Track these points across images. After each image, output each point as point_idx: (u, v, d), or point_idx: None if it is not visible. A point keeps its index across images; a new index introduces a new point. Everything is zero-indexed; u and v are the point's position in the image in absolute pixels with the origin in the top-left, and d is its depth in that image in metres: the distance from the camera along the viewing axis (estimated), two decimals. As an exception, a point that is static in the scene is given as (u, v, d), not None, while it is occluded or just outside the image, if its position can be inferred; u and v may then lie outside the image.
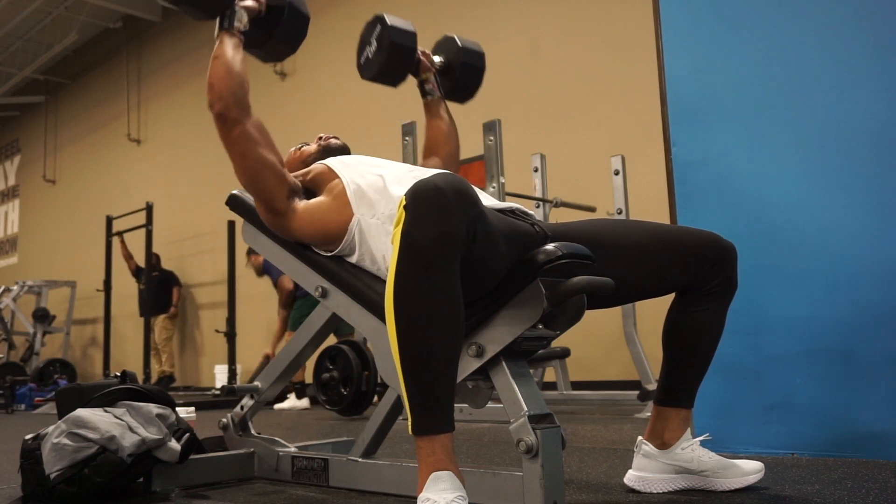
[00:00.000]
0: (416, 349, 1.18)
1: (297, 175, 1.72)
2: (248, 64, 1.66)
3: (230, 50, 1.63)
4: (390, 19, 1.88)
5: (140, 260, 7.81)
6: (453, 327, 1.19)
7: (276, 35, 1.74)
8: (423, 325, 1.17)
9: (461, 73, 2.04)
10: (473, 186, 1.64)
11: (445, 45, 2.08)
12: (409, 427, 1.20)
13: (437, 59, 2.05)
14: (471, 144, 4.28)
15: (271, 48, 1.78)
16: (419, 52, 1.96)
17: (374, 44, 1.90)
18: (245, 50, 1.69)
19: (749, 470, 1.58)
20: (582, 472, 1.88)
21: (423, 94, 2.03)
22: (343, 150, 1.88)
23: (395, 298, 1.18)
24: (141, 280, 7.75)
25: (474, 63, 2.06)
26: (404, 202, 1.18)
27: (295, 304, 5.45)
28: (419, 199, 1.17)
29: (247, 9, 1.68)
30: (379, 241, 1.52)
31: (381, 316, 1.40)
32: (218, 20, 1.67)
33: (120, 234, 7.82)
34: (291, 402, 5.16)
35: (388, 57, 1.87)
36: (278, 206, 1.62)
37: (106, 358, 8.21)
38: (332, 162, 1.70)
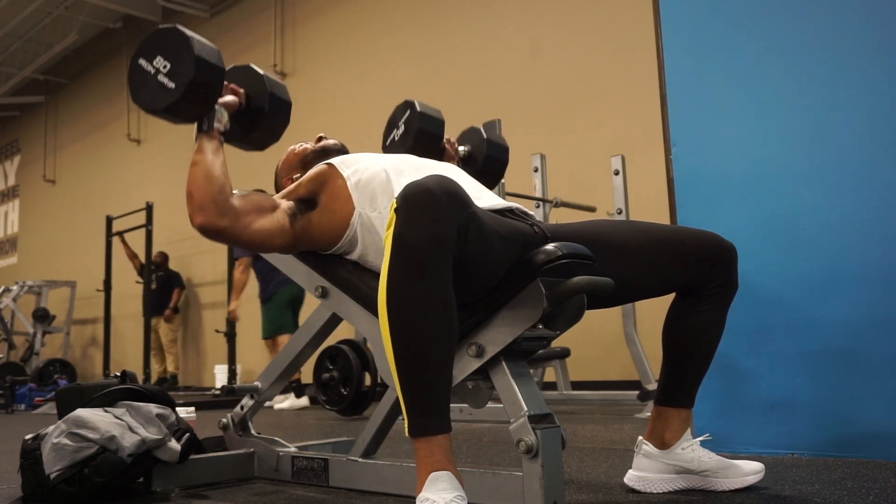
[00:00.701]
0: (409, 351, 1.19)
1: (291, 190, 1.66)
2: (227, 167, 1.57)
3: (210, 155, 1.54)
4: (420, 106, 1.93)
5: (143, 259, 7.81)
6: (446, 328, 1.19)
7: (259, 127, 1.68)
8: (416, 327, 1.18)
9: (485, 165, 2.09)
10: (478, 183, 1.65)
11: (470, 135, 2.13)
12: (406, 429, 1.21)
13: (461, 148, 2.10)
14: (471, 144, 4.29)
15: (254, 139, 1.72)
16: (445, 140, 2.00)
17: (402, 127, 1.95)
18: (226, 142, 1.63)
19: (749, 470, 1.58)
20: (582, 472, 1.88)
21: None
22: (341, 151, 1.87)
23: (388, 301, 1.19)
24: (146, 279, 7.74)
25: (498, 157, 2.11)
26: (395, 204, 1.19)
27: (264, 308, 5.40)
28: (410, 202, 1.17)
29: (226, 105, 1.60)
30: (382, 235, 1.51)
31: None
32: (196, 123, 1.59)
33: (120, 234, 7.81)
34: (291, 401, 5.14)
35: (415, 142, 1.91)
36: (289, 245, 1.61)
37: (106, 358, 8.21)
38: (332, 160, 1.69)
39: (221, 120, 1.59)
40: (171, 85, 1.50)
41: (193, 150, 1.57)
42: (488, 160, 2.08)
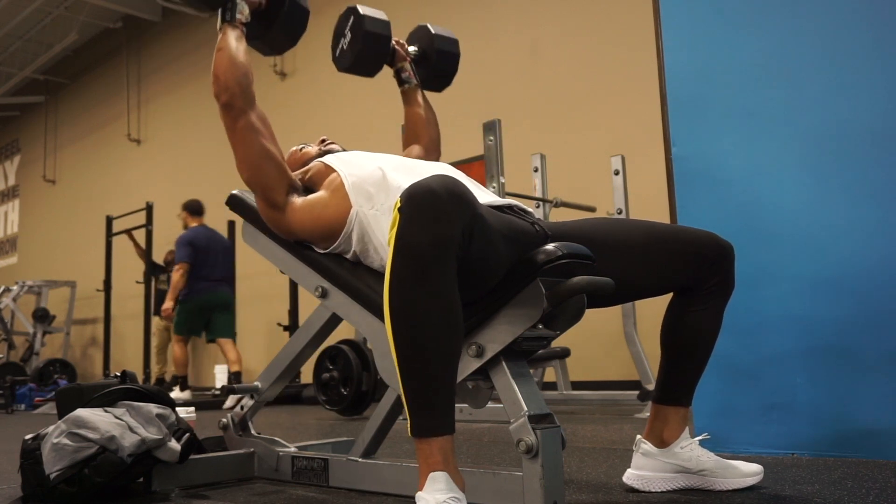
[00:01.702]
0: (413, 352, 1.19)
1: (297, 174, 1.73)
2: (251, 56, 1.67)
3: (233, 41, 1.66)
4: (363, 9, 1.90)
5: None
6: (451, 329, 1.19)
7: (277, 26, 1.76)
8: (420, 328, 1.17)
9: (437, 61, 2.06)
10: (473, 181, 1.65)
11: (419, 34, 2.11)
12: (408, 429, 1.21)
13: (411, 48, 2.08)
14: (471, 144, 4.29)
15: (271, 40, 1.80)
16: (394, 42, 1.98)
17: (349, 35, 1.92)
18: (247, 40, 1.71)
19: (748, 472, 1.58)
20: (582, 472, 1.88)
21: (400, 83, 2.07)
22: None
23: (391, 302, 1.19)
24: (158, 278, 7.73)
25: (449, 49, 2.08)
26: (399, 204, 1.18)
27: (177, 309, 5.68)
28: (413, 202, 1.17)
29: (248, 1, 1.71)
30: (383, 231, 1.52)
31: (380, 315, 1.40)
32: (220, 13, 1.69)
33: (128, 231, 7.79)
34: (175, 393, 5.46)
35: (363, 47, 1.89)
36: (278, 200, 1.63)
37: (106, 358, 8.21)
38: (328, 158, 1.71)
39: (243, 12, 1.71)
40: None
41: (217, 39, 1.67)
42: (440, 55, 2.06)
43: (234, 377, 5.54)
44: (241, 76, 1.63)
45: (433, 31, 2.06)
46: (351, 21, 1.91)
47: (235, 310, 6.09)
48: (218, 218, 6.85)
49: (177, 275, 5.63)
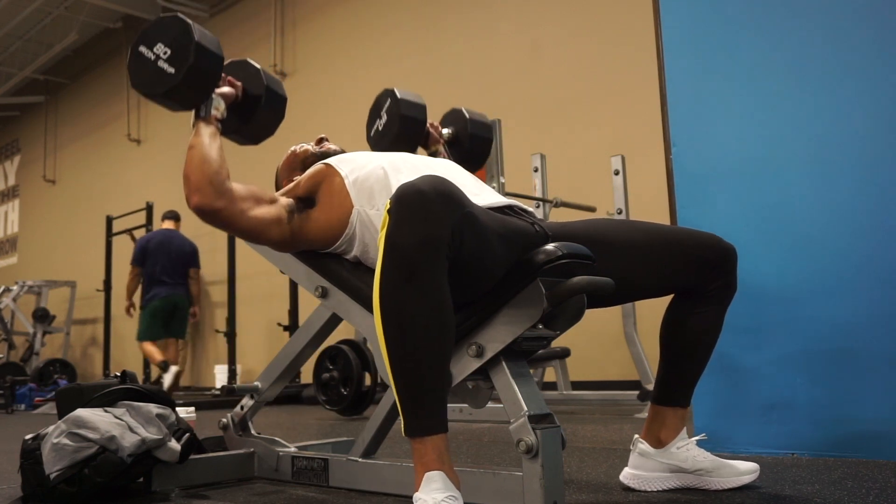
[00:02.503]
0: (403, 353, 1.19)
1: (290, 189, 1.68)
2: (224, 151, 1.57)
3: (206, 139, 1.55)
4: (401, 93, 1.94)
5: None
6: (440, 330, 1.19)
7: (255, 119, 1.70)
8: (410, 329, 1.18)
9: (470, 145, 2.10)
10: (477, 179, 1.65)
11: (453, 116, 2.14)
12: (402, 429, 1.21)
13: (445, 130, 2.11)
14: (471, 144, 4.29)
15: (249, 132, 1.74)
16: (428, 125, 2.01)
17: (385, 116, 1.96)
18: (222, 134, 1.64)
19: (744, 470, 1.58)
20: (582, 472, 1.88)
21: None
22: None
23: (381, 303, 1.19)
24: None
25: (482, 134, 2.12)
26: (388, 205, 1.19)
27: (140, 316, 6.07)
28: (402, 203, 1.17)
29: (224, 96, 1.63)
30: None
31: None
32: (194, 110, 1.61)
33: (129, 231, 7.80)
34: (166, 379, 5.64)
35: (399, 129, 1.92)
36: (286, 240, 1.61)
37: (106, 358, 8.21)
38: (329, 160, 1.70)
39: (219, 108, 1.62)
40: (171, 70, 1.53)
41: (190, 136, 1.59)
42: (473, 139, 2.09)
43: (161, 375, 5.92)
44: (213, 174, 1.50)
45: (467, 116, 2.10)
46: (388, 103, 1.96)
47: (186, 312, 6.37)
48: (218, 218, 6.84)
49: (129, 277, 6.05)
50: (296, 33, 8.01)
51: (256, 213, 1.55)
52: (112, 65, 10.50)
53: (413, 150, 2.01)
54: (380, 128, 1.98)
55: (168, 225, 6.37)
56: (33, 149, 12.35)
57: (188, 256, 6.27)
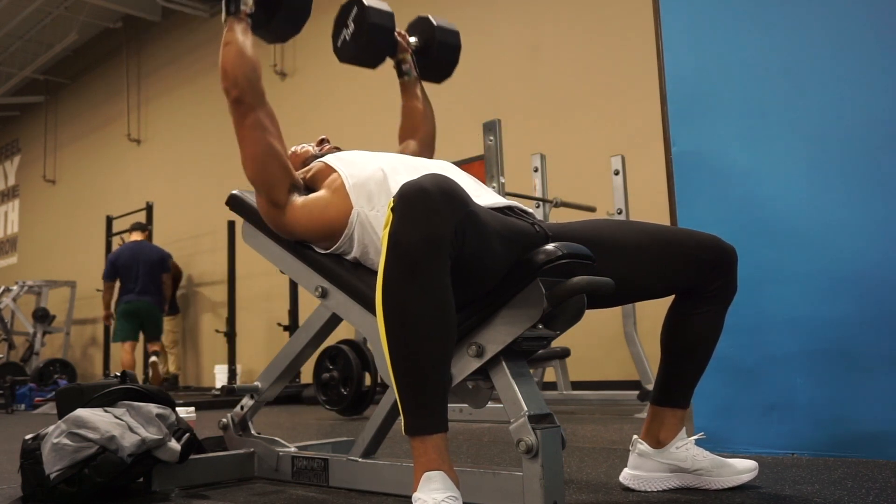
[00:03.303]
0: (405, 351, 1.19)
1: (298, 174, 1.72)
2: (258, 48, 1.67)
3: (240, 35, 1.65)
4: (368, 0, 1.88)
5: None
6: (443, 328, 1.20)
7: (280, 14, 1.74)
8: (412, 327, 1.18)
9: (438, 52, 2.05)
10: (476, 180, 1.65)
11: (420, 25, 2.09)
12: (402, 427, 1.21)
13: (412, 39, 2.06)
14: (471, 144, 4.29)
15: (275, 28, 1.78)
16: (396, 33, 1.97)
17: (352, 25, 1.90)
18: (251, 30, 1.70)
19: (743, 469, 1.58)
20: (582, 472, 1.88)
21: (400, 74, 2.05)
22: None
23: (384, 301, 1.19)
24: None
25: (450, 41, 2.06)
26: (392, 203, 1.19)
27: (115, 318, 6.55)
28: (406, 201, 1.17)
29: None
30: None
31: (380, 315, 1.40)
32: (224, 4, 1.68)
33: (120, 234, 7.82)
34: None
35: (367, 38, 1.87)
36: (280, 199, 1.63)
37: (106, 358, 8.21)
38: (329, 159, 1.70)
39: (247, 3, 1.69)
40: None
41: (223, 32, 1.67)
42: (441, 47, 2.05)
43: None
44: (250, 71, 1.62)
45: (435, 23, 2.05)
46: (354, 11, 1.89)
47: (160, 317, 6.76)
48: (218, 218, 6.86)
49: (104, 291, 6.55)
50: (296, 33, 8.00)
51: (275, 142, 1.64)
52: (112, 65, 10.51)
53: (381, 60, 1.98)
54: (347, 37, 1.92)
55: (136, 237, 6.72)
56: (33, 149, 12.35)
57: (157, 265, 6.58)
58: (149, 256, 6.54)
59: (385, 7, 1.91)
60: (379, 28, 1.88)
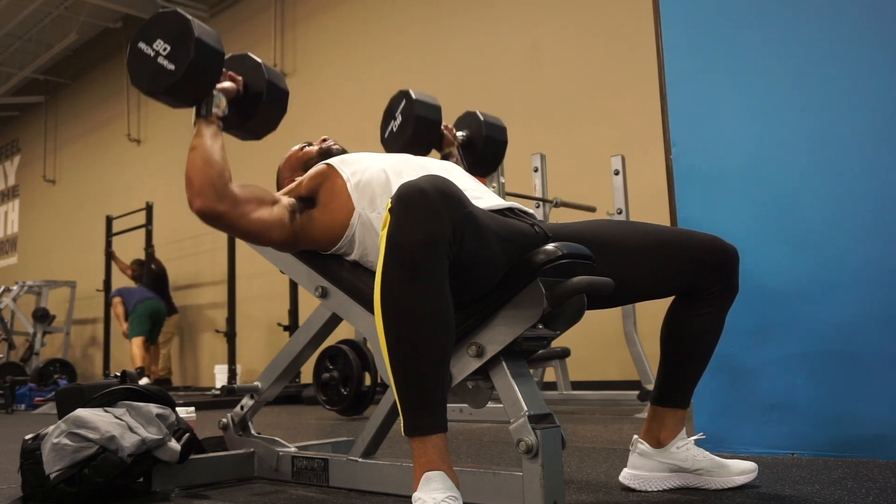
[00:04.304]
0: (404, 352, 1.19)
1: (292, 188, 1.68)
2: (226, 151, 1.56)
3: (208, 140, 1.54)
4: (416, 94, 1.93)
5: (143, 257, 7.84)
6: (441, 329, 1.19)
7: (257, 115, 1.68)
8: (410, 328, 1.18)
9: (484, 148, 2.09)
10: (477, 181, 1.65)
11: (468, 119, 2.14)
12: (402, 428, 1.21)
13: (460, 133, 2.10)
14: (471, 144, 4.29)
15: (251, 128, 1.72)
16: (443, 127, 2.00)
17: (400, 118, 1.95)
18: (224, 130, 1.63)
19: (742, 469, 1.59)
20: (582, 472, 1.88)
21: None
22: (343, 154, 1.88)
23: (382, 302, 1.19)
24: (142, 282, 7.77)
25: (497, 137, 2.11)
26: (389, 204, 1.19)
27: (129, 318, 7.28)
28: (403, 202, 1.17)
29: (224, 91, 1.61)
30: None
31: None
32: (195, 108, 1.58)
33: (109, 248, 7.94)
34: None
35: (414, 131, 1.91)
36: (287, 241, 1.61)
37: (106, 358, 8.21)
38: (332, 161, 1.69)
39: (220, 105, 1.60)
40: (171, 67, 1.51)
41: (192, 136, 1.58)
42: (487, 142, 2.09)
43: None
44: (216, 178, 1.50)
45: (482, 119, 2.10)
46: (403, 104, 1.95)
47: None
48: (218, 218, 6.85)
49: (114, 306, 7.47)
50: (296, 33, 8.01)
51: (259, 216, 1.55)
52: (112, 65, 10.50)
53: (427, 152, 2.01)
54: (394, 129, 1.98)
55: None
56: (33, 149, 12.35)
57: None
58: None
59: (433, 101, 1.96)
60: (425, 121, 1.92)
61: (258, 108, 1.68)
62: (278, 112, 1.73)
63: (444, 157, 2.04)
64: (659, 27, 2.40)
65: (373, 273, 1.56)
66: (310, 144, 1.90)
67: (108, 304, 8.13)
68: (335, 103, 7.26)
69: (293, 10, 8.06)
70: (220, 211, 1.50)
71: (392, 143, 1.99)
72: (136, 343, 7.25)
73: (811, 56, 2.13)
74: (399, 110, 1.96)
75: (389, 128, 1.99)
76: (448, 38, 6.53)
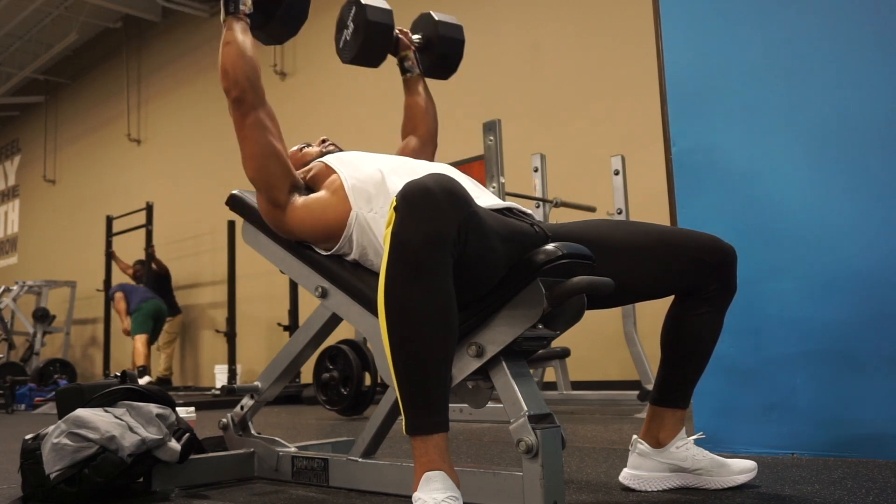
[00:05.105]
0: (407, 350, 1.19)
1: (299, 174, 1.73)
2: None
3: (240, 34, 1.65)
4: None
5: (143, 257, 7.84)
6: (445, 328, 1.19)
7: (279, 15, 1.74)
8: (414, 327, 1.18)
9: (441, 47, 2.04)
10: (474, 181, 1.65)
11: (422, 21, 2.09)
12: (403, 427, 1.21)
13: (415, 36, 2.06)
14: (471, 144, 4.29)
15: (272, 30, 1.78)
16: (397, 31, 1.97)
17: (351, 25, 1.90)
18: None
19: (742, 468, 1.59)
20: (582, 472, 1.88)
21: (403, 71, 2.05)
22: None
23: (386, 300, 1.19)
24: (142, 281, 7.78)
25: (453, 35, 2.05)
26: (394, 203, 1.19)
27: (131, 315, 7.38)
28: (409, 200, 1.17)
29: None
30: (381, 233, 1.52)
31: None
32: (223, 4, 1.68)
33: (109, 248, 7.94)
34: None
35: (367, 37, 1.87)
36: (280, 199, 1.63)
37: (106, 358, 8.21)
38: (329, 159, 1.70)
39: (246, 3, 1.69)
40: None
41: (223, 32, 1.67)
42: (444, 42, 2.04)
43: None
44: (250, 70, 1.62)
45: (437, 18, 2.04)
46: (353, 11, 1.90)
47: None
48: (217, 218, 6.87)
49: (116, 302, 7.52)
50: (296, 33, 8.00)
51: (276, 141, 1.64)
52: (112, 65, 10.51)
53: (382, 58, 1.99)
54: (347, 38, 1.93)
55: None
56: (33, 149, 12.36)
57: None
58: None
59: (384, 5, 1.91)
60: (378, 26, 1.88)
61: (280, 10, 1.74)
62: (299, 16, 1.78)
63: (401, 61, 2.03)
64: (659, 27, 2.40)
65: (373, 273, 1.57)
66: (309, 145, 1.90)
67: (108, 304, 8.14)
68: (335, 103, 7.26)
69: (293, 10, 8.05)
70: (256, 104, 1.62)
71: (346, 53, 1.94)
72: (141, 340, 7.28)
73: (811, 56, 2.13)
74: (350, 18, 1.91)
75: (343, 37, 1.94)
76: (448, 38, 6.52)
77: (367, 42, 1.88)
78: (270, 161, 1.62)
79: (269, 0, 1.74)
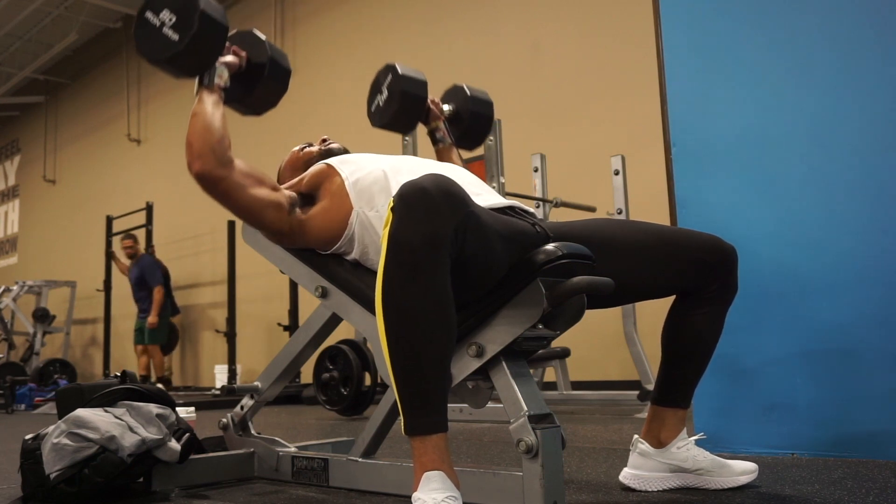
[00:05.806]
0: (405, 351, 1.19)
1: (293, 184, 1.69)
2: (227, 120, 1.58)
3: (209, 107, 1.57)
4: (402, 69, 1.91)
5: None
6: (443, 328, 1.19)
7: (258, 89, 1.71)
8: (412, 327, 1.18)
9: (470, 122, 2.07)
10: (479, 179, 1.65)
11: (454, 93, 2.12)
12: (402, 427, 1.21)
13: (446, 107, 2.08)
14: (471, 144, 4.29)
15: (252, 103, 1.74)
16: (429, 101, 1.99)
17: (386, 92, 1.93)
18: (225, 103, 1.64)
19: (743, 470, 1.59)
20: (582, 472, 1.88)
21: (434, 141, 2.05)
22: (344, 154, 1.88)
23: (384, 300, 1.19)
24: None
25: (483, 111, 2.09)
26: (392, 203, 1.19)
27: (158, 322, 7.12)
28: (406, 201, 1.17)
29: (227, 65, 1.63)
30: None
31: (379, 315, 1.40)
32: (197, 78, 1.62)
33: (109, 248, 7.93)
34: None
35: (400, 106, 1.90)
36: (281, 230, 1.61)
37: (106, 358, 8.21)
38: (331, 160, 1.70)
39: (222, 76, 1.63)
40: (176, 37, 1.53)
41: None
42: (473, 116, 2.07)
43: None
44: (216, 143, 1.52)
45: (468, 93, 2.08)
46: (389, 79, 1.93)
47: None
48: (217, 218, 6.86)
49: (157, 293, 6.97)
50: (296, 33, 8.01)
51: (256, 192, 1.56)
52: (112, 65, 10.50)
53: (413, 126, 2.00)
54: (380, 103, 1.95)
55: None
56: (33, 149, 12.36)
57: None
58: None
59: (419, 76, 1.94)
60: (411, 96, 1.91)
61: (260, 84, 1.70)
62: (279, 89, 1.75)
63: (431, 132, 2.03)
64: (659, 27, 2.40)
65: (373, 273, 1.56)
66: (310, 145, 1.90)
67: (108, 304, 8.14)
68: (335, 103, 7.26)
69: (293, 10, 8.06)
70: (219, 175, 1.52)
71: (378, 118, 1.96)
72: (157, 349, 7.22)
73: (811, 56, 2.13)
74: (385, 84, 1.94)
75: (375, 102, 1.97)
76: (448, 39, 6.53)
77: (400, 112, 1.91)
78: (259, 212, 1.57)
79: (248, 73, 1.69)
